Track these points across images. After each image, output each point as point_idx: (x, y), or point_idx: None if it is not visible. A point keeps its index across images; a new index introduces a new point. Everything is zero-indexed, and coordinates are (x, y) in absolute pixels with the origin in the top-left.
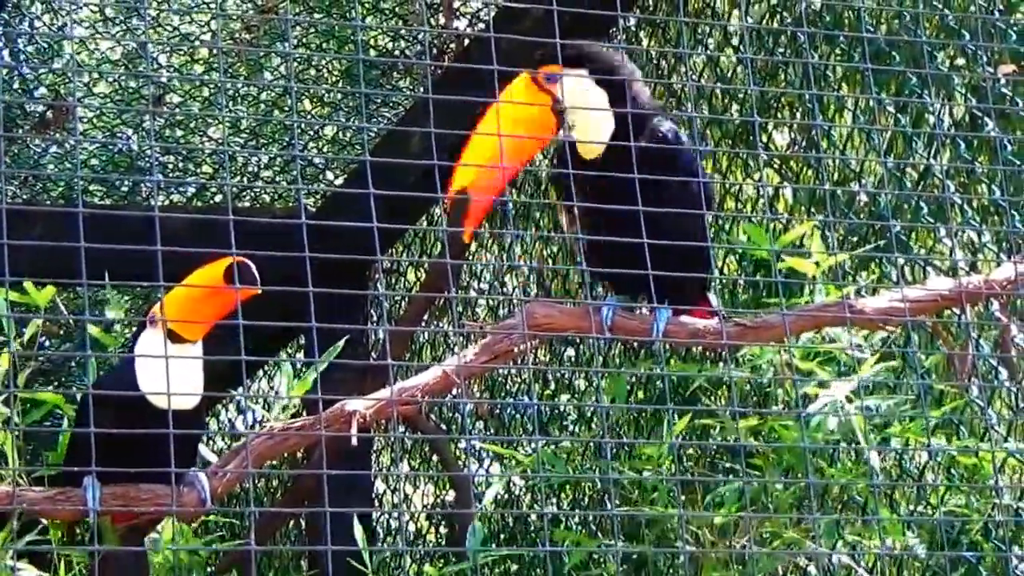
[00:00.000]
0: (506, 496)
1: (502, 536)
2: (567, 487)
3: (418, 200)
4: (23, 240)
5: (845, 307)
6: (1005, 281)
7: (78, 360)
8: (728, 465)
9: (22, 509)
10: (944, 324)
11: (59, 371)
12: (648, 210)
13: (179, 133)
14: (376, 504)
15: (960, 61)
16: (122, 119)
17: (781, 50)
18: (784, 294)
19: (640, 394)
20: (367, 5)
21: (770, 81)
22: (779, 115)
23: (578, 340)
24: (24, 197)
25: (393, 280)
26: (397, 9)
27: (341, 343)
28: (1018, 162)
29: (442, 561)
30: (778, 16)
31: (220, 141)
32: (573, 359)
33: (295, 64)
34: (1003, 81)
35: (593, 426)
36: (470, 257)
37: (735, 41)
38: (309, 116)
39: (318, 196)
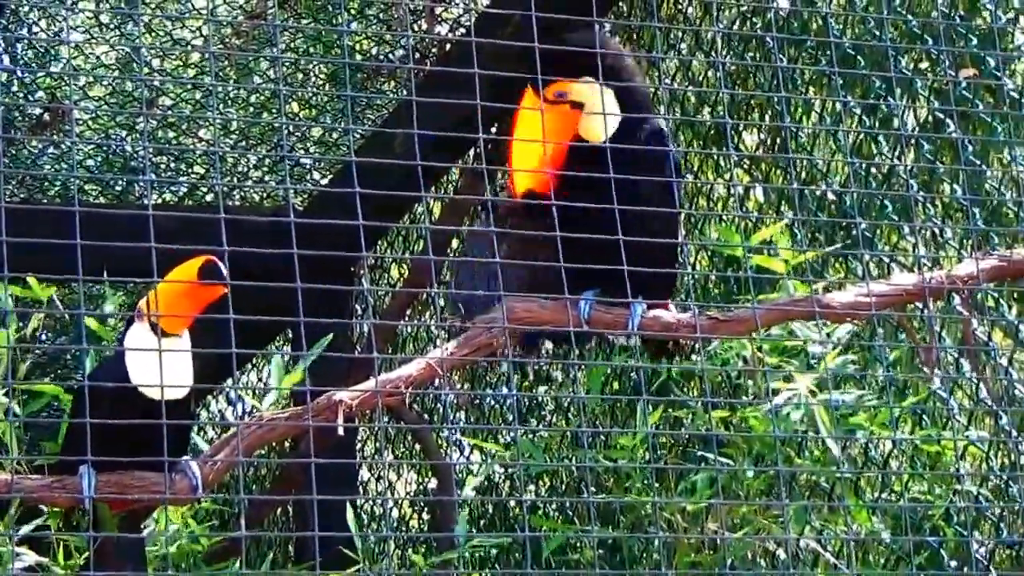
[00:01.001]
0: (486, 483)
1: (482, 523)
2: (545, 475)
3: (401, 199)
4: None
5: (813, 301)
6: (967, 276)
7: (73, 353)
8: (700, 454)
9: (21, 496)
10: (908, 318)
11: (55, 364)
12: (626, 208)
13: (171, 134)
14: (361, 492)
15: (923, 64)
16: (116, 121)
17: (751, 54)
18: (754, 290)
19: (615, 385)
20: (352, 11)
21: (740, 84)
22: (749, 117)
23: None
24: (21, 196)
25: (377, 276)
26: (381, 15)
27: (329, 337)
28: (979, 162)
29: (424, 546)
30: (748, 22)
31: (211, 142)
32: (550, 352)
33: (283, 68)
34: (964, 84)
35: (570, 416)
36: (451, 254)
37: (707, 46)
38: (297, 118)
39: (305, 195)
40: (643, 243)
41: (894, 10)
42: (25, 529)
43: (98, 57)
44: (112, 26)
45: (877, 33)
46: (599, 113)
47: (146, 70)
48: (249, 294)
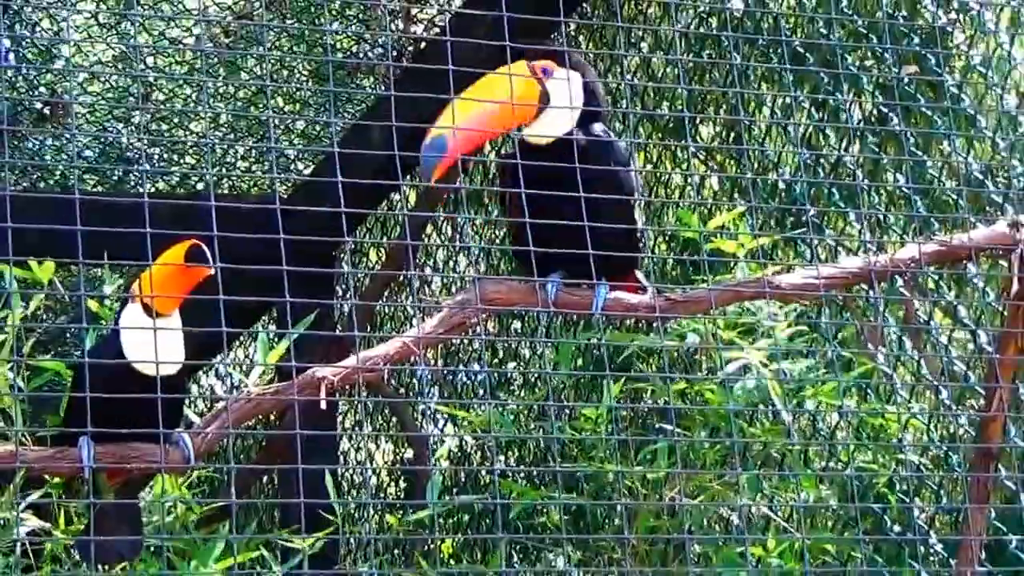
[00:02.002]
0: (459, 453)
1: (455, 490)
2: (514, 445)
3: (380, 187)
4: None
5: (765, 283)
6: (909, 260)
7: (72, 331)
8: (659, 425)
9: (25, 467)
10: (854, 298)
11: (55, 341)
12: (584, 195)
13: (164, 127)
14: (342, 461)
15: (869, 62)
16: (113, 115)
17: (708, 52)
18: (710, 272)
19: (580, 361)
20: (334, 11)
21: (697, 80)
22: (705, 111)
23: (524, 313)
24: (23, 185)
25: (357, 259)
26: (361, 16)
27: (311, 316)
28: (920, 153)
29: (400, 512)
30: (705, 22)
31: (201, 134)
32: (519, 330)
33: (269, 65)
34: (907, 80)
35: (537, 390)
36: (426, 239)
37: (666, 44)
38: (282, 112)
39: (289, 184)
40: (601, 228)
41: (841, 11)
42: (31, 498)
43: (96, 55)
44: (109, 25)
45: (825, 32)
46: (562, 107)
47: (141, 67)
48: (236, 276)
